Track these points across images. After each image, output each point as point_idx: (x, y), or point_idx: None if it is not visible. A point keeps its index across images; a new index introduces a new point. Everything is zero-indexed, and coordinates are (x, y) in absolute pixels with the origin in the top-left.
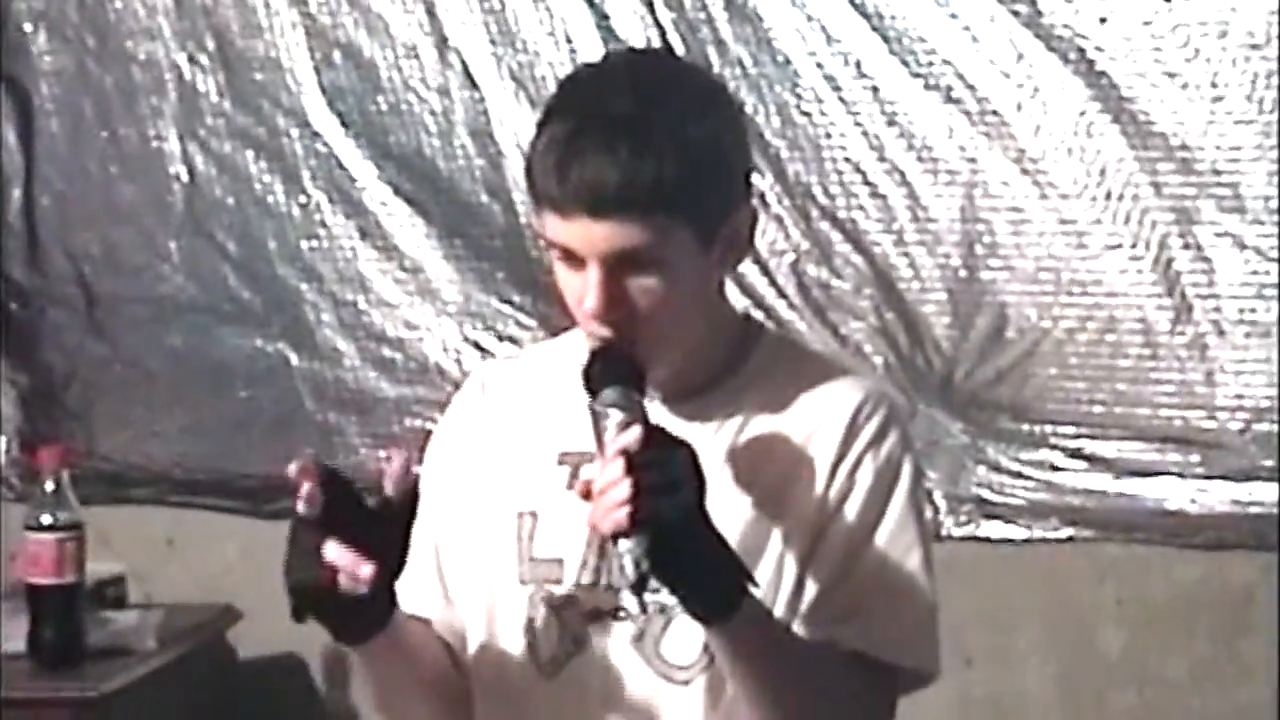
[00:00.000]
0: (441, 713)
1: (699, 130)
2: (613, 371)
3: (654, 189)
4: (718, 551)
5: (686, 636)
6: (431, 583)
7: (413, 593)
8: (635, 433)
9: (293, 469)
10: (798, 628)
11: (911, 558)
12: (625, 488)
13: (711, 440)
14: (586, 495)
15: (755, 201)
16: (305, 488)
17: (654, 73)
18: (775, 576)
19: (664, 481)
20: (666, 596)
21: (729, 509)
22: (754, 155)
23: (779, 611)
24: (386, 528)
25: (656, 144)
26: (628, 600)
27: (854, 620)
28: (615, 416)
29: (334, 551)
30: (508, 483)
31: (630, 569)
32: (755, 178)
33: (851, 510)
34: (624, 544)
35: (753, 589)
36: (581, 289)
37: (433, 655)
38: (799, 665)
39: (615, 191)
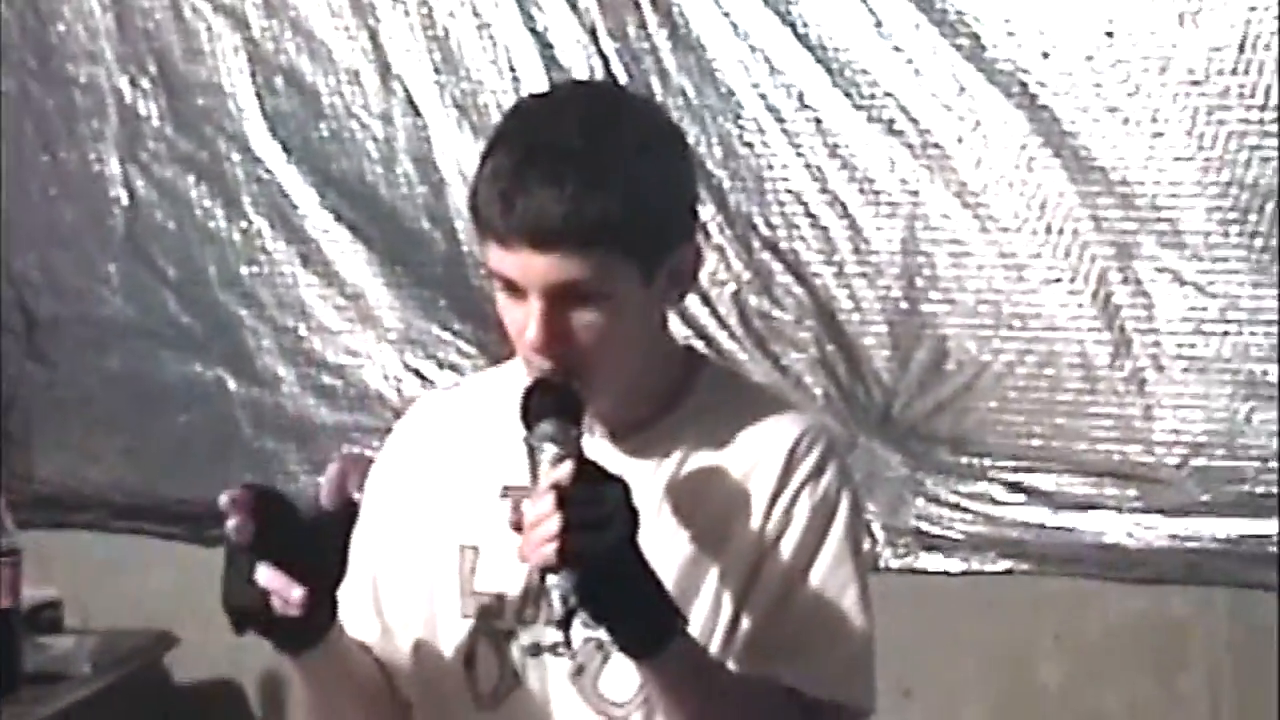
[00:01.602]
0: None
1: (645, 166)
2: (549, 404)
3: (598, 223)
4: (647, 587)
5: (624, 673)
6: (368, 613)
7: (351, 620)
8: (566, 468)
9: (223, 501)
10: (734, 663)
11: (848, 594)
12: (555, 522)
13: (652, 476)
14: (518, 528)
15: (700, 236)
16: (234, 519)
17: (602, 105)
18: (712, 612)
19: (593, 517)
20: (605, 634)
21: (668, 544)
22: (698, 188)
23: (715, 647)
24: (323, 542)
25: (602, 178)
26: (556, 635)
27: (788, 657)
28: (549, 451)
29: (265, 576)
30: (449, 515)
31: (558, 604)
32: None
33: (788, 546)
34: (552, 579)
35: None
36: (523, 320)
37: (369, 672)
38: (732, 701)
39: (559, 225)
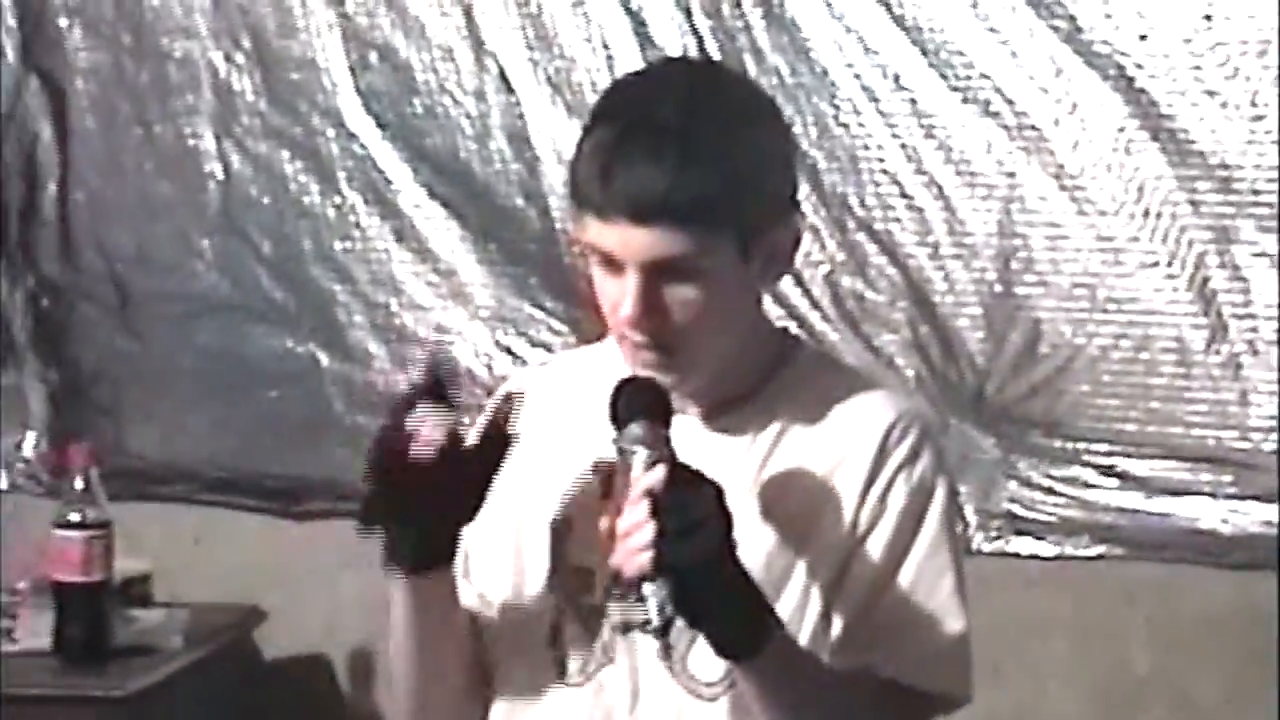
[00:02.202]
0: (463, 696)
1: (746, 142)
2: (639, 405)
3: (698, 198)
4: (743, 592)
5: (711, 654)
6: (461, 582)
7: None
8: (658, 474)
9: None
10: (828, 653)
11: (944, 582)
12: (648, 531)
13: (745, 454)
14: (610, 537)
15: (800, 218)
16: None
17: (704, 82)
18: (803, 596)
19: (686, 525)
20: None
21: (759, 525)
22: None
23: (806, 632)
24: (471, 468)
25: (703, 153)
26: (655, 643)
27: (884, 647)
28: (640, 454)
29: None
30: (542, 492)
31: (655, 613)
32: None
33: (883, 535)
34: (648, 588)
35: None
36: (618, 296)
37: (469, 632)
38: (827, 696)
39: (659, 198)
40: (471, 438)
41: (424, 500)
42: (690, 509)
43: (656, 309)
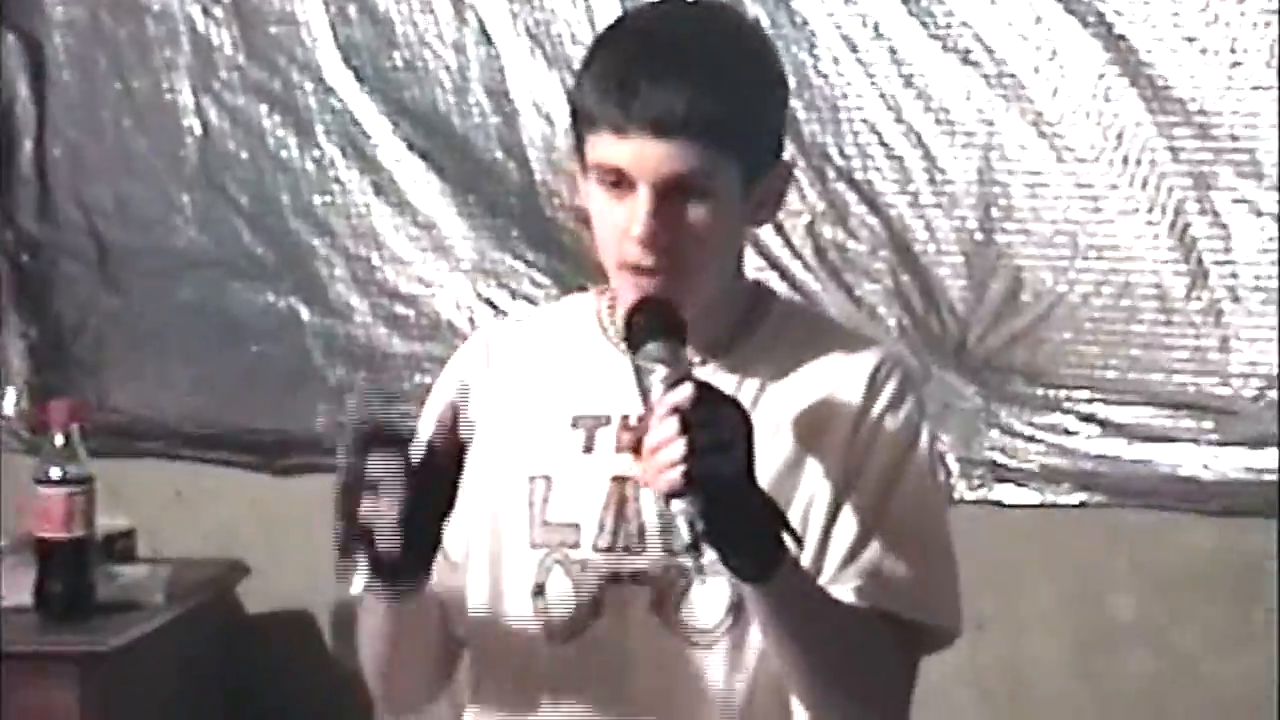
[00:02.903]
0: (435, 675)
1: (756, 73)
2: (656, 324)
3: (717, 116)
4: (766, 510)
5: (708, 600)
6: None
7: None
8: (687, 390)
9: (350, 401)
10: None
11: (932, 518)
12: (679, 447)
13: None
14: (635, 450)
15: (789, 166)
16: (350, 457)
17: (715, 15)
18: (804, 530)
19: (718, 440)
20: (687, 560)
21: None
22: None
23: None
24: (429, 479)
25: (720, 75)
26: (635, 563)
27: (879, 580)
28: (661, 372)
29: (368, 509)
30: (517, 446)
31: (685, 530)
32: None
33: (873, 471)
34: (677, 504)
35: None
36: (625, 218)
37: (438, 617)
38: (835, 623)
39: (683, 112)
40: (424, 453)
41: (392, 529)
42: (720, 425)
43: (666, 228)
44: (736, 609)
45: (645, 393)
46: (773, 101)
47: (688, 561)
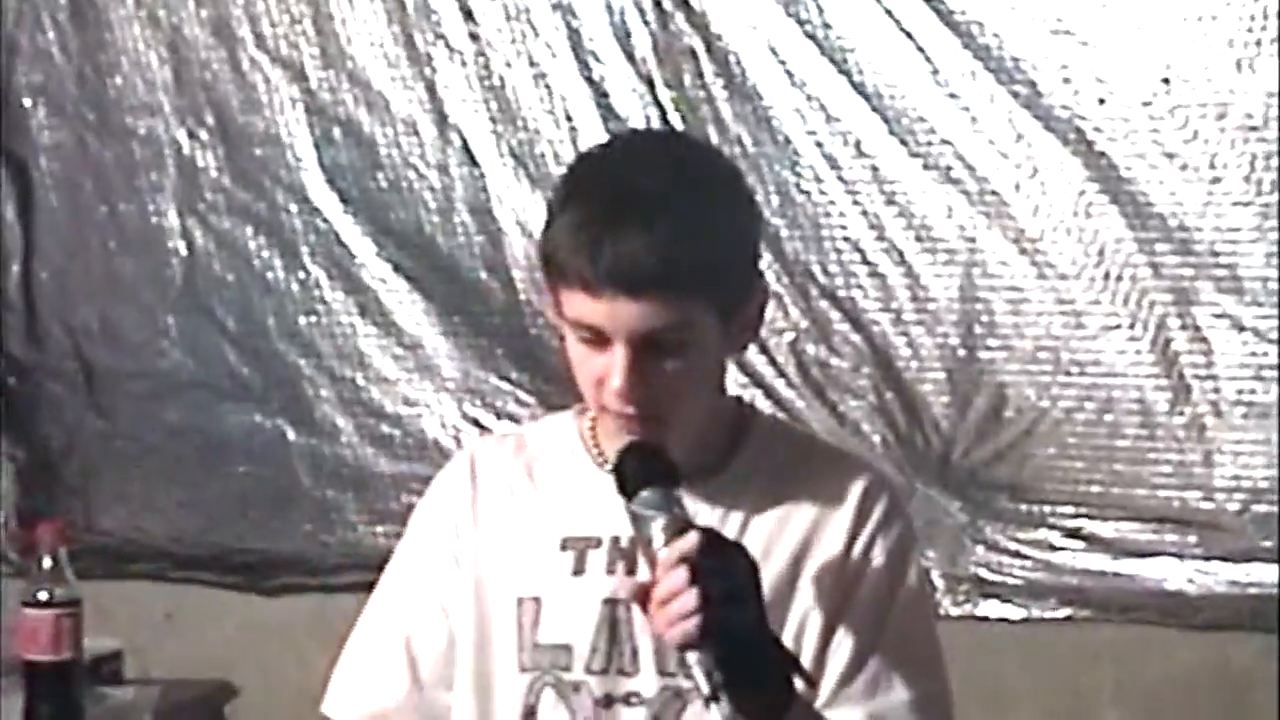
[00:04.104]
0: None
1: (725, 212)
2: (648, 470)
3: (690, 271)
4: (780, 655)
5: None
6: (398, 671)
7: (375, 682)
8: (694, 539)
9: None
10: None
11: (926, 636)
12: (692, 598)
13: (720, 524)
14: (643, 601)
15: (764, 281)
16: None
17: (677, 153)
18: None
19: (731, 590)
20: (683, 681)
21: None
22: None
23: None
24: None
25: (691, 225)
26: (649, 683)
27: (876, 703)
28: (660, 520)
29: None
30: (504, 567)
31: (703, 681)
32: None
33: (866, 594)
34: (693, 656)
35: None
36: (604, 370)
37: None
38: None
39: (652, 271)
40: None
41: None
42: (732, 574)
43: (644, 381)
44: None
45: (646, 541)
46: (744, 234)
47: (631, 686)
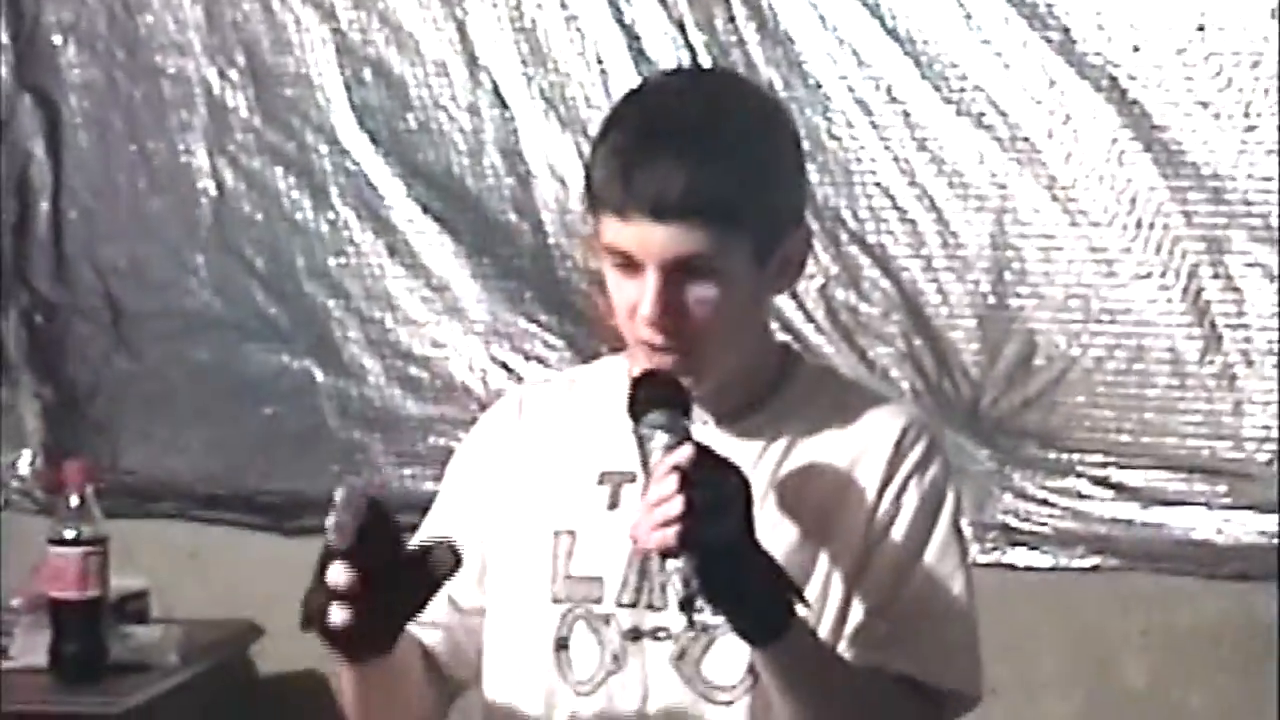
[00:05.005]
0: None
1: (764, 146)
2: (659, 395)
3: (719, 197)
4: (767, 572)
5: (729, 657)
6: (436, 603)
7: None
8: (687, 450)
9: (338, 494)
10: (844, 651)
11: (955, 582)
12: (676, 505)
13: (759, 459)
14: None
15: (809, 230)
16: (338, 517)
17: (723, 89)
18: (821, 597)
19: (715, 501)
20: (710, 616)
21: (776, 529)
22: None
23: (824, 633)
24: (411, 576)
25: (723, 154)
26: (676, 618)
27: (900, 644)
28: (662, 438)
29: (336, 574)
30: (543, 501)
31: (679, 588)
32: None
33: (897, 534)
34: (672, 563)
35: (802, 610)
36: (636, 296)
37: (414, 679)
38: (847, 687)
39: (680, 195)
40: (414, 552)
41: (353, 602)
42: (719, 487)
43: (674, 308)
44: (754, 668)
45: (645, 459)
46: (784, 172)
47: (680, 618)
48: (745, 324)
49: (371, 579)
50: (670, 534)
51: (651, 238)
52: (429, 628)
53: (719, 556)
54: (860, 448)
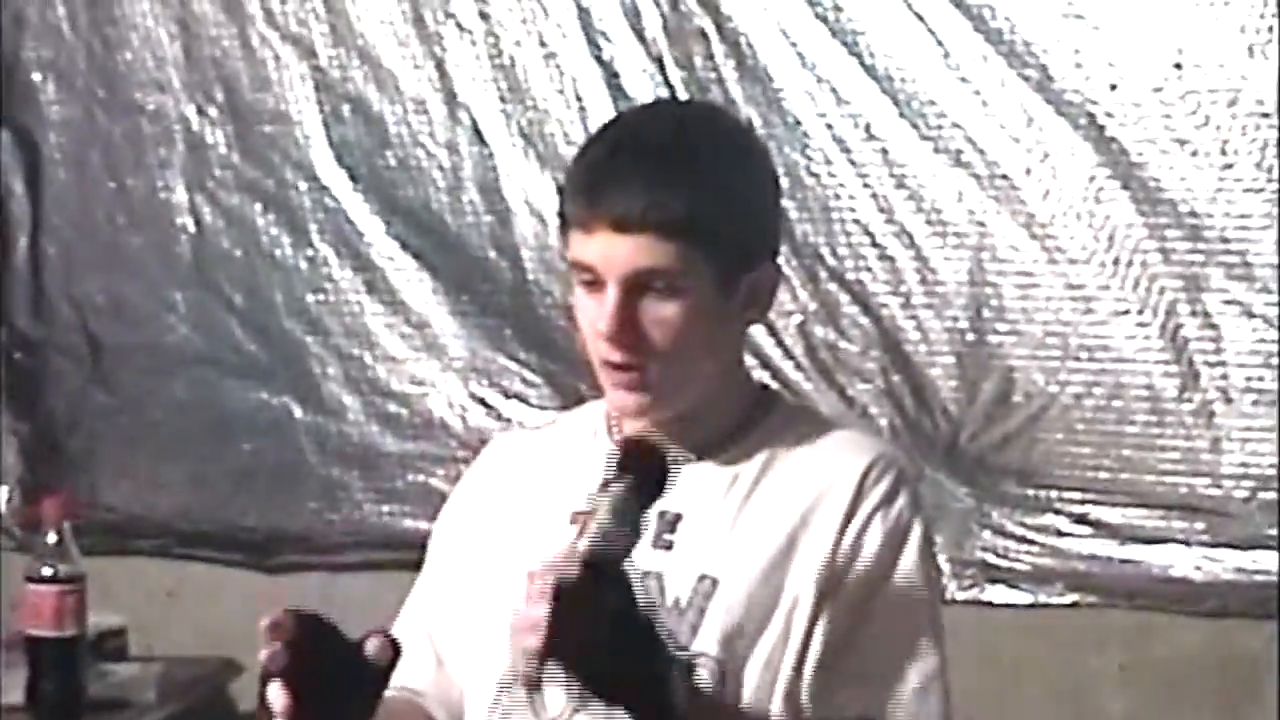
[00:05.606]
0: None
1: (733, 171)
2: (634, 467)
3: (680, 213)
4: (654, 671)
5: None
6: (424, 650)
7: (404, 661)
8: (573, 573)
9: (263, 625)
10: (805, 692)
11: (919, 622)
12: (540, 634)
13: (727, 491)
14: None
15: (779, 269)
16: (270, 646)
17: (694, 113)
18: (783, 633)
19: (582, 643)
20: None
21: (741, 561)
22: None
23: (786, 670)
24: (356, 675)
25: (689, 172)
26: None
27: (859, 684)
28: (599, 520)
29: (273, 695)
30: (517, 543)
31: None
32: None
33: (859, 572)
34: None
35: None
36: (599, 313)
37: None
38: None
39: (642, 209)
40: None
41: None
42: (588, 608)
43: (634, 325)
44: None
45: (583, 526)
46: (753, 200)
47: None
48: (710, 350)
49: (314, 693)
50: (533, 642)
51: (613, 250)
52: (421, 679)
53: (591, 678)
54: (826, 484)
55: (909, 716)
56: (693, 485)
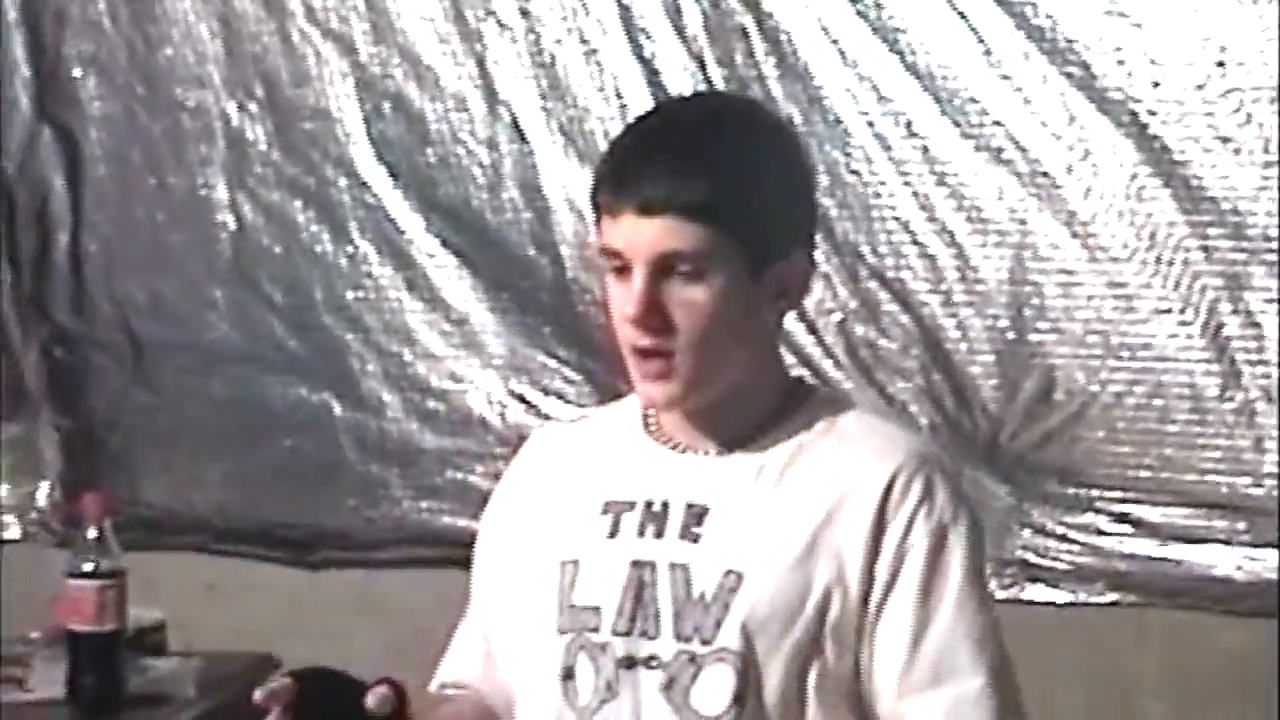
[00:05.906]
0: None
1: (762, 161)
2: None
3: (706, 196)
4: None
5: (715, 685)
6: (475, 642)
7: (457, 656)
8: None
9: (258, 696)
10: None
11: (980, 619)
12: None
13: (754, 483)
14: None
15: (812, 261)
16: (271, 711)
17: (728, 103)
18: (813, 631)
19: None
20: (698, 646)
21: (765, 557)
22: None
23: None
24: None
25: (716, 159)
26: (667, 646)
27: (943, 690)
28: None
29: None
30: (553, 533)
31: None
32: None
33: (910, 578)
34: None
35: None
36: (626, 298)
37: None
38: None
39: (667, 192)
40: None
41: None
42: None
43: (660, 308)
44: (739, 699)
45: None
46: (784, 189)
47: (652, 649)
48: (738, 338)
49: None
50: None
51: (638, 233)
52: (475, 674)
53: None
54: (852, 482)
55: (984, 713)
56: (721, 477)
